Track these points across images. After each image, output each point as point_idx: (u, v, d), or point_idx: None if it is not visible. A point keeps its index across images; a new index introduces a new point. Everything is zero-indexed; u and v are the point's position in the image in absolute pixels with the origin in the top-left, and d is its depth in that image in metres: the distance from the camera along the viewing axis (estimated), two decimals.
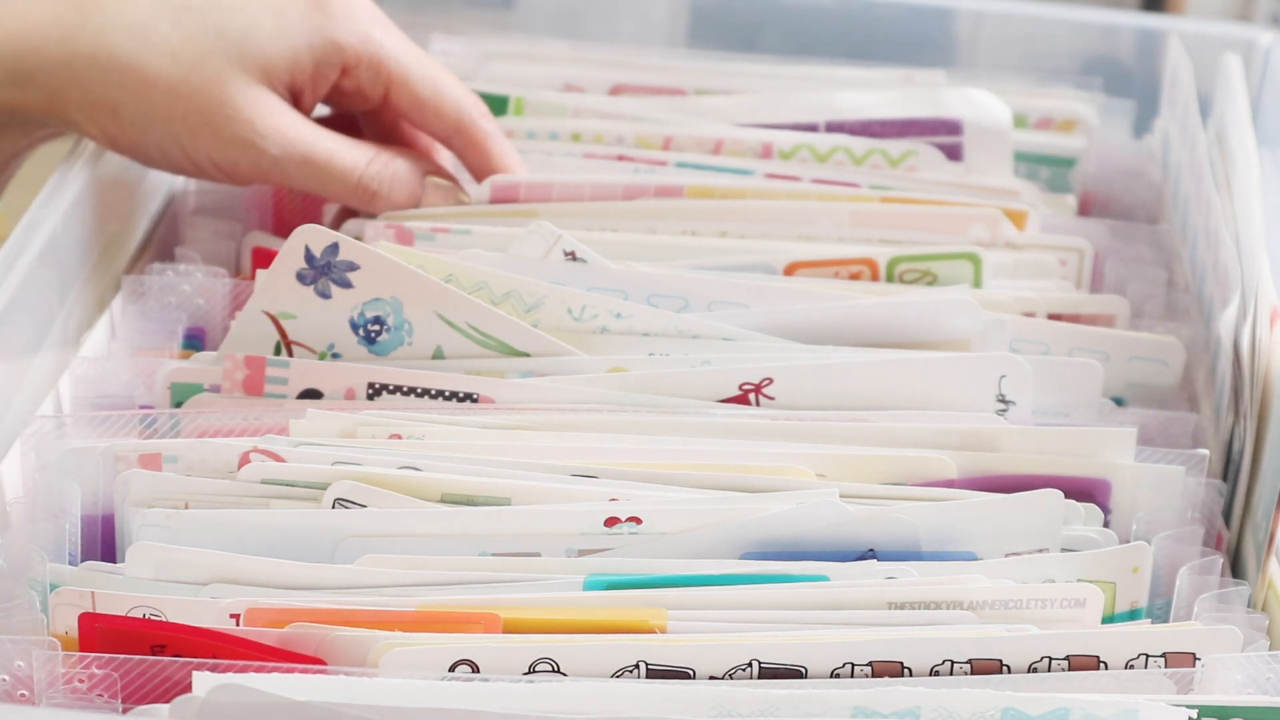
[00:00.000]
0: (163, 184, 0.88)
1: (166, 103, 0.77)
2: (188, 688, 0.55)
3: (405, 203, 0.81)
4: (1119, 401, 0.77)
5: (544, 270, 0.74)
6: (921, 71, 0.95)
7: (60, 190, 0.77)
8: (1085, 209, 0.92)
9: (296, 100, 0.80)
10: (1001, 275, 0.81)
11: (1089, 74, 0.97)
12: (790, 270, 0.79)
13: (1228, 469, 0.75)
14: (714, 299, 0.76)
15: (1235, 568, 0.72)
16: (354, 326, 0.72)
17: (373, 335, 0.72)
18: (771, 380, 0.72)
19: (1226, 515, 0.73)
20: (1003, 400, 0.72)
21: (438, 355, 0.73)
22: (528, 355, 0.73)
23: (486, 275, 0.73)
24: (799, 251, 0.80)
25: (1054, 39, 1.00)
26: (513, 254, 0.75)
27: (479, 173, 0.82)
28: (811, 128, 0.90)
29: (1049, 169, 0.92)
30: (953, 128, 0.89)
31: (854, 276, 0.79)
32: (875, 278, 0.79)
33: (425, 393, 0.71)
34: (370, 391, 0.71)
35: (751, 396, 0.72)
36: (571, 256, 0.75)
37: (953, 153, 0.89)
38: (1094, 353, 0.77)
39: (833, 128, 0.90)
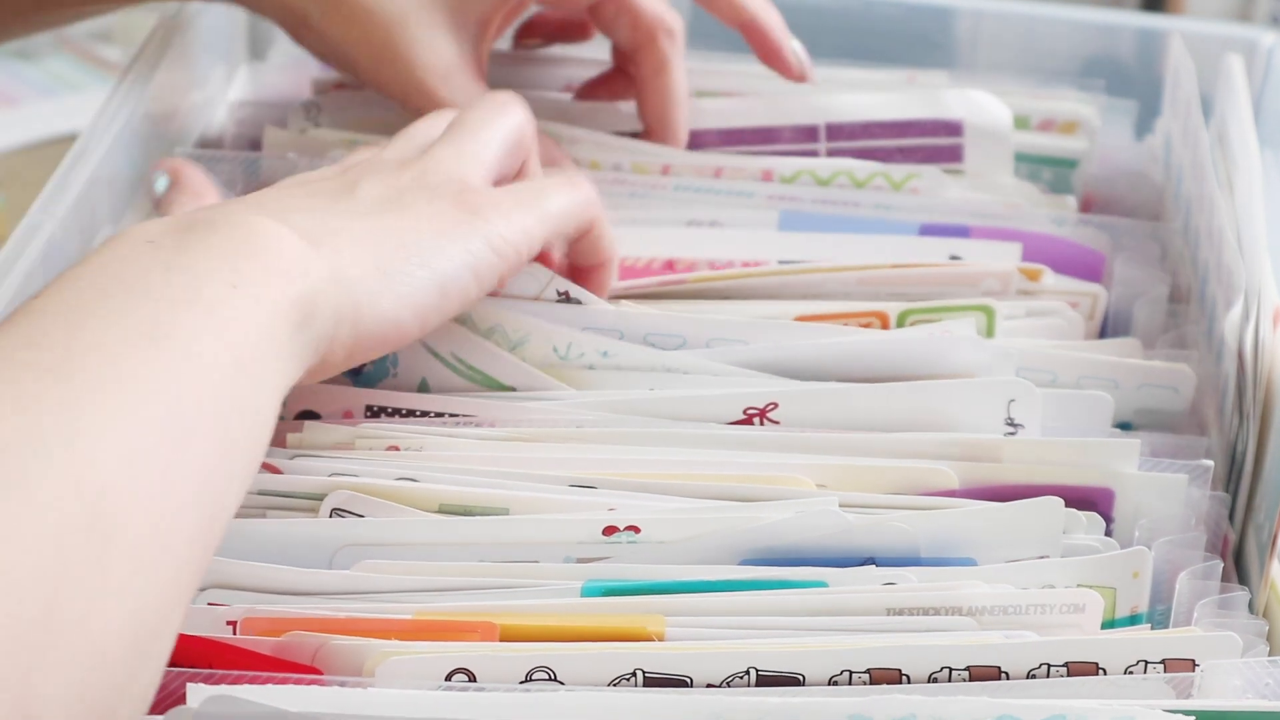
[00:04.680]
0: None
1: (345, 25, 0.82)
2: (182, 698, 0.55)
3: None
4: (1127, 426, 0.77)
5: (537, 310, 0.73)
6: (924, 73, 0.95)
7: (60, 193, 0.77)
8: (1087, 210, 0.91)
9: (485, 27, 0.84)
10: (1014, 318, 0.80)
11: (1089, 74, 0.97)
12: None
13: (1231, 471, 0.75)
14: (713, 336, 0.75)
15: (1239, 570, 0.72)
16: None
17: (357, 367, 0.72)
18: (776, 405, 0.72)
19: (1230, 517, 0.73)
20: (1011, 424, 0.72)
21: (423, 388, 0.72)
22: (514, 390, 0.72)
23: (470, 309, 0.72)
24: (806, 308, 0.78)
25: (1054, 39, 1.00)
26: (504, 294, 0.74)
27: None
28: (811, 129, 0.89)
29: (1051, 170, 0.92)
30: (953, 129, 0.89)
31: (864, 326, 0.78)
32: (885, 329, 0.78)
33: (424, 414, 0.71)
34: (368, 414, 0.71)
35: (756, 421, 0.72)
36: (565, 296, 0.74)
37: (953, 154, 0.89)
38: (1103, 380, 0.77)
39: (833, 129, 0.89)
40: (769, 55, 0.89)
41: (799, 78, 0.89)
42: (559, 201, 0.72)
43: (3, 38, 0.92)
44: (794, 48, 0.89)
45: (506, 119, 0.73)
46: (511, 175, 0.74)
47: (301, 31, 0.85)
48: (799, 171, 0.86)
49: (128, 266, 0.58)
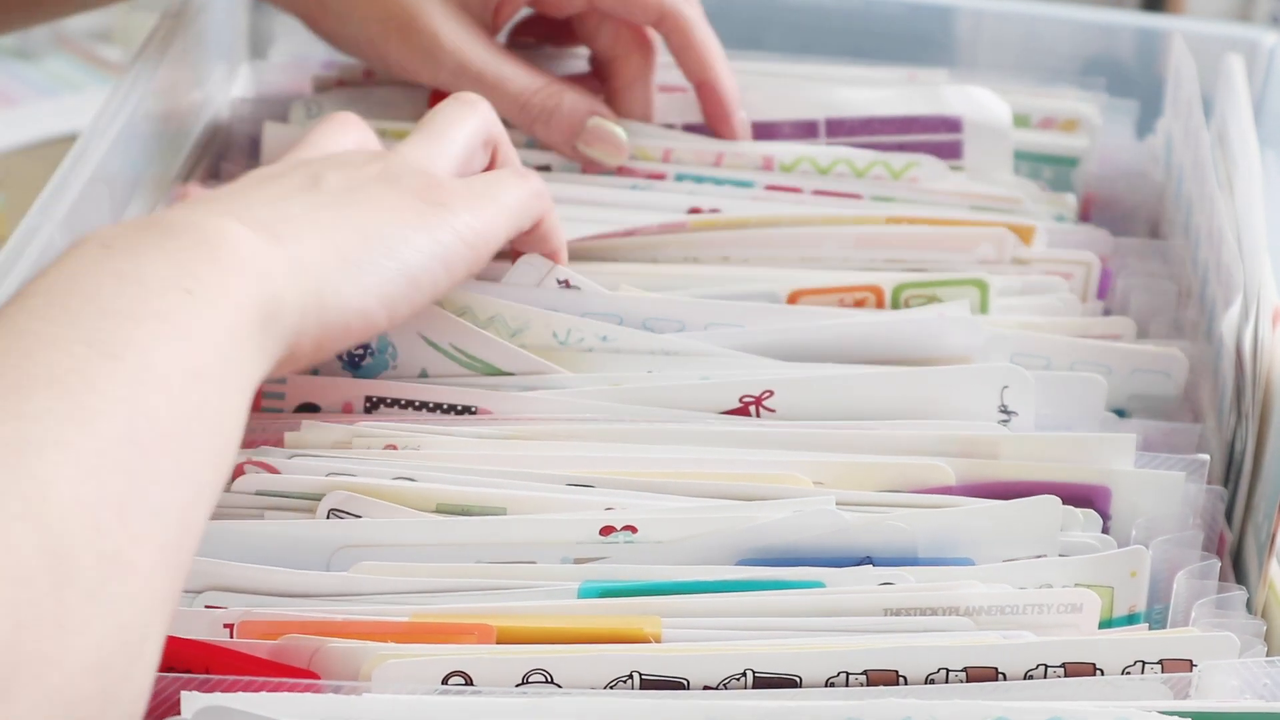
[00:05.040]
0: (162, 189, 0.88)
1: (367, 5, 0.84)
2: (176, 705, 0.55)
3: (562, 137, 0.85)
4: (1121, 413, 0.77)
5: (537, 297, 0.74)
6: (924, 71, 0.95)
7: (60, 193, 0.77)
8: (1087, 209, 0.91)
9: (495, 11, 0.86)
10: (1009, 294, 0.80)
11: (1090, 74, 0.97)
12: (793, 299, 0.78)
13: (1230, 470, 0.75)
14: (711, 320, 0.75)
15: (1237, 569, 0.72)
16: None
17: (356, 359, 0.72)
18: (772, 393, 0.72)
19: (1229, 516, 0.73)
20: (1005, 410, 0.72)
21: (422, 378, 0.72)
22: (513, 375, 0.72)
23: (470, 300, 0.72)
24: (802, 279, 0.79)
25: (1055, 39, 1.00)
26: (505, 283, 0.74)
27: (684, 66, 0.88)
28: (811, 125, 0.89)
29: (1051, 168, 0.91)
30: (953, 125, 0.89)
31: (859, 304, 0.79)
32: (880, 305, 0.79)
33: (423, 405, 0.71)
34: (368, 405, 0.71)
35: (752, 409, 0.72)
36: (565, 285, 0.74)
37: (952, 150, 0.89)
38: (1096, 365, 0.77)
39: (833, 125, 0.89)
40: (717, 118, 0.89)
41: None
42: (513, 195, 0.72)
43: (3, 29, 0.93)
44: (741, 117, 0.89)
45: (473, 117, 0.74)
46: (479, 171, 0.75)
47: (319, 17, 0.86)
48: (799, 159, 0.86)
49: (82, 277, 0.57)
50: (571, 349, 0.73)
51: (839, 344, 0.75)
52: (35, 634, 0.48)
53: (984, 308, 0.79)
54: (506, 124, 0.78)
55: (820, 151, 0.87)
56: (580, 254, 0.79)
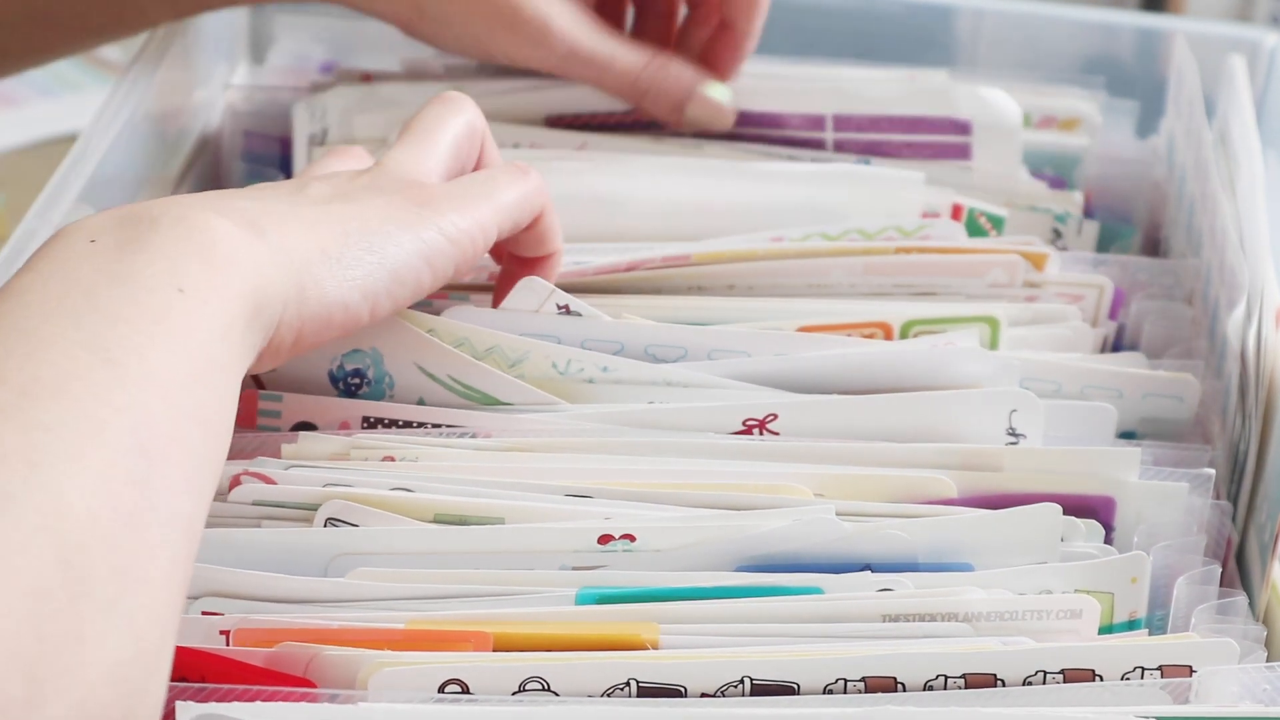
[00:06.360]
0: (162, 190, 0.88)
1: (467, 5, 0.84)
2: (171, 713, 0.55)
3: (670, 108, 0.87)
4: (1132, 436, 0.76)
5: (535, 323, 0.73)
6: (924, 72, 0.94)
7: (60, 193, 0.77)
8: (1088, 205, 0.91)
9: None
10: (1019, 324, 0.79)
11: (1090, 74, 0.97)
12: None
13: (1234, 472, 0.75)
14: (714, 347, 0.74)
15: (1241, 571, 0.72)
16: (333, 379, 0.71)
17: (353, 388, 0.72)
18: (776, 416, 0.71)
19: (1233, 519, 0.73)
20: (1013, 434, 0.71)
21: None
22: (511, 405, 0.72)
23: (467, 331, 0.71)
24: (809, 312, 0.78)
25: (1055, 38, 0.99)
26: (503, 309, 0.73)
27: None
28: (819, 119, 0.89)
29: (1052, 168, 0.91)
30: (962, 127, 0.88)
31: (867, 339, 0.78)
32: (889, 339, 0.78)
33: (422, 425, 0.70)
34: (365, 425, 0.71)
35: (755, 432, 0.71)
36: (565, 310, 0.73)
37: (961, 152, 0.88)
38: (1107, 390, 0.76)
39: (840, 120, 0.89)
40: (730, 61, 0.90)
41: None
42: (511, 192, 0.71)
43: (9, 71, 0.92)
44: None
45: (455, 117, 0.73)
46: (467, 170, 0.74)
47: (418, 23, 0.86)
48: (808, 234, 0.83)
49: (73, 276, 0.56)
50: (571, 379, 0.72)
51: (845, 373, 0.73)
52: (57, 647, 0.48)
53: (994, 344, 0.77)
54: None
55: (830, 224, 0.84)
56: (580, 288, 0.77)
